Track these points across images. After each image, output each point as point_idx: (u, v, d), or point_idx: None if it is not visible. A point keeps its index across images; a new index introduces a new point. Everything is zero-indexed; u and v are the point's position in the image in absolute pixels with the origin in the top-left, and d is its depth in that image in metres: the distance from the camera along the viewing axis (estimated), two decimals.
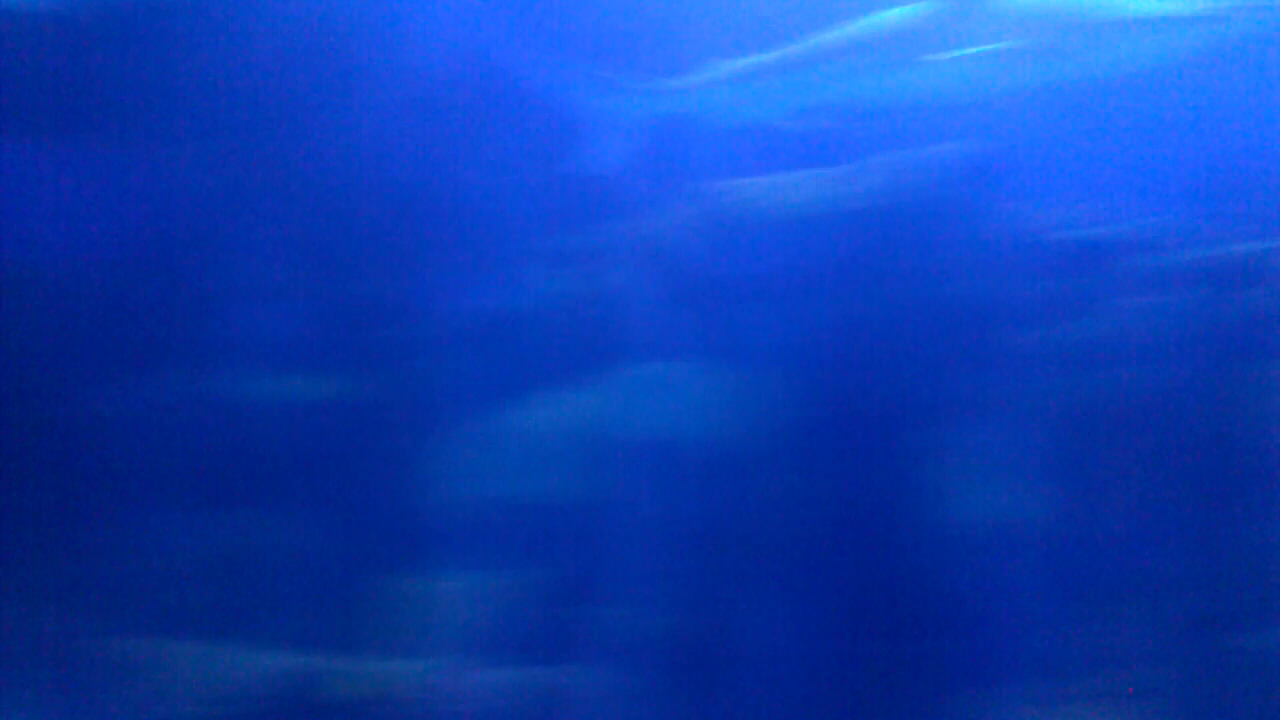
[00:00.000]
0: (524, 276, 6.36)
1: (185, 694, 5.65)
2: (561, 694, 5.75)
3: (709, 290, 6.26)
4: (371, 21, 6.34)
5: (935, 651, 5.96)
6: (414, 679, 5.72)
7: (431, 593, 5.87)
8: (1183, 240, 6.41)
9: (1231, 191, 6.46)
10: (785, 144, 6.47)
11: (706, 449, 6.02)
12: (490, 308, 6.33)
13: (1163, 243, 6.42)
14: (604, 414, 6.06)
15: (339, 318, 6.33)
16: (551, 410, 6.10)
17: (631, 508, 5.96)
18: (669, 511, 5.95)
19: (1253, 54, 6.37)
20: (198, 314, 6.21)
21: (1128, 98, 6.46)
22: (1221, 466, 6.05)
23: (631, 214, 6.41)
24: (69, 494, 5.92)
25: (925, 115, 6.45)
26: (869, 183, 6.49)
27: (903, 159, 6.54)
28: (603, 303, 6.27)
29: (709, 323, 6.21)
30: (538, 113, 6.48)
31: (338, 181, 6.30)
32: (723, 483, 6.01)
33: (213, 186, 6.25)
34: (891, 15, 6.42)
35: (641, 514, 5.94)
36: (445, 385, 6.23)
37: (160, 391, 6.10)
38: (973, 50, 6.29)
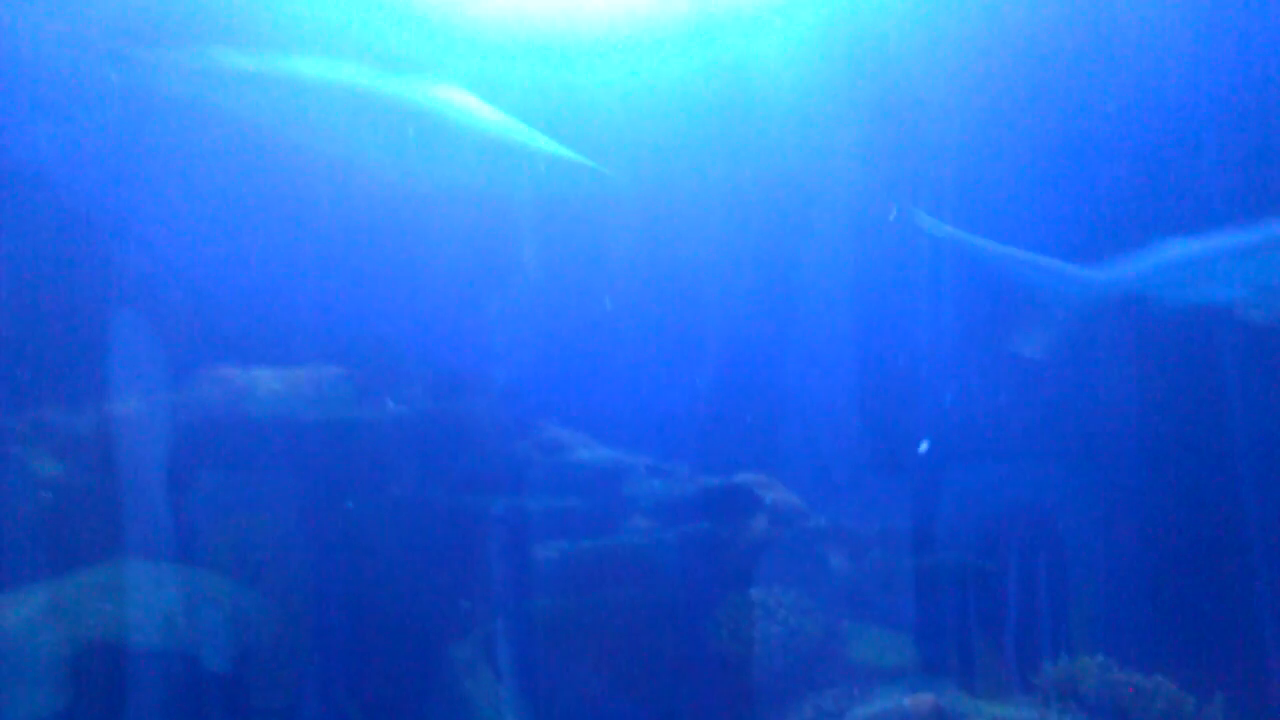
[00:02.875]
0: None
1: None
2: None
3: (193, 488, 5.91)
4: None
5: None
6: None
7: None
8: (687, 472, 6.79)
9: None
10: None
11: (172, 658, 5.56)
12: None
13: (671, 472, 6.78)
14: (65, 618, 5.44)
15: None
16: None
17: None
18: None
19: None
20: None
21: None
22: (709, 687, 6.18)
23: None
24: None
25: None
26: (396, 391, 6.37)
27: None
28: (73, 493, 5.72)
29: (184, 523, 5.83)
30: None
31: None
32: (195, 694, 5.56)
33: None
34: None
35: None
36: None
37: None
38: None
